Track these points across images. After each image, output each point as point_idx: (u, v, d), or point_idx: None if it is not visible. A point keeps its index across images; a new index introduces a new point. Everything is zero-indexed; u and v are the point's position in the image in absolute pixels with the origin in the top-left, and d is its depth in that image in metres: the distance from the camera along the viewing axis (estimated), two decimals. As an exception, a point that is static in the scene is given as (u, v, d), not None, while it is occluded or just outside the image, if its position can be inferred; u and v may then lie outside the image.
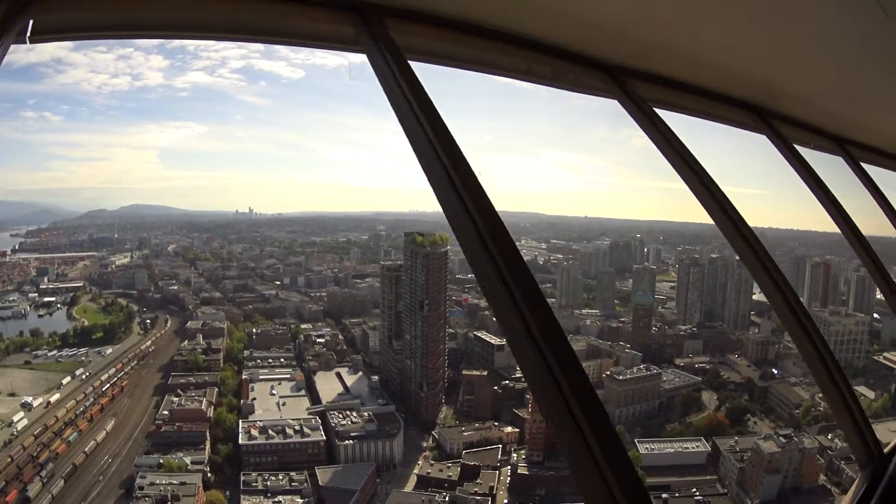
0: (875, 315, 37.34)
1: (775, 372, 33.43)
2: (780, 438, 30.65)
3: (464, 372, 33.25)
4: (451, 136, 2.43)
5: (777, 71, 4.02)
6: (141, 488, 26.69)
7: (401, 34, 2.68)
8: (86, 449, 28.90)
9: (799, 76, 4.12)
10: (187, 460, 29.14)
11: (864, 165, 6.10)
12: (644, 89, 3.84)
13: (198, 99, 51.46)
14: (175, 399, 32.87)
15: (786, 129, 4.97)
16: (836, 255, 39.99)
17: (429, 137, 2.47)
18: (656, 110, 3.92)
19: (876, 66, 3.66)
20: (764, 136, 4.97)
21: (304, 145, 79.87)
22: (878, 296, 37.31)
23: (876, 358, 35.45)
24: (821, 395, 33.34)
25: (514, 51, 3.24)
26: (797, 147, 4.99)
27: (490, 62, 3.48)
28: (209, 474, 29.09)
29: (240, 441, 30.50)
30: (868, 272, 5.04)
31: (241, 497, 28.25)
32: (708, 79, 4.17)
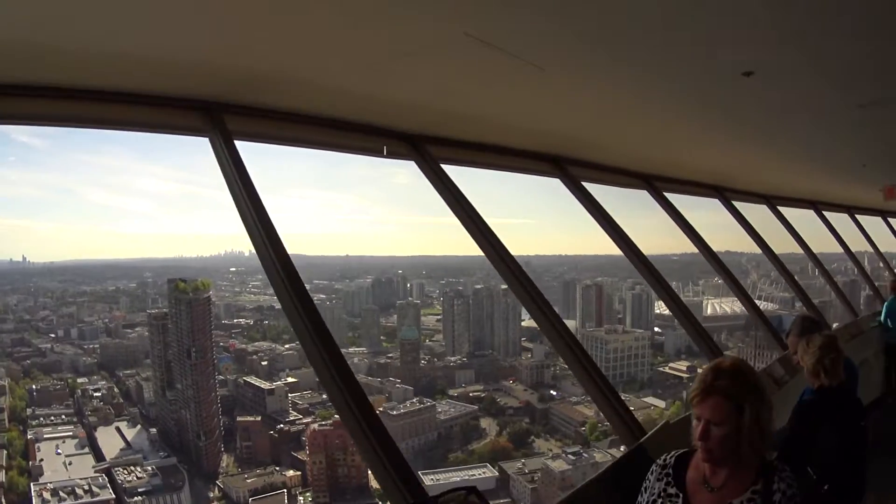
0: (656, 329, 38.58)
1: (553, 393, 33.44)
2: (570, 456, 30.31)
3: (238, 419, 32.32)
4: (261, 203, 3.13)
5: (574, 127, 4.85)
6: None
7: (234, 123, 3.38)
8: None
9: (585, 127, 4.88)
10: None
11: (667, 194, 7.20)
12: (439, 151, 4.52)
13: None
14: None
15: (576, 170, 5.79)
16: (608, 276, 41.03)
17: (248, 206, 3.21)
18: (453, 167, 4.70)
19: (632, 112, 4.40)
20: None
21: (72, 189, 76.00)
22: (659, 310, 37.12)
23: (661, 369, 36.78)
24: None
25: (327, 130, 3.97)
26: (586, 185, 5.84)
27: (309, 140, 4.07)
28: None
29: None
30: (651, 286, 5.85)
31: None
32: (505, 138, 4.97)
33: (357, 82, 3.27)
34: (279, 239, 3.02)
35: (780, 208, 9.72)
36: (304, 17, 2.44)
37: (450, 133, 4.58)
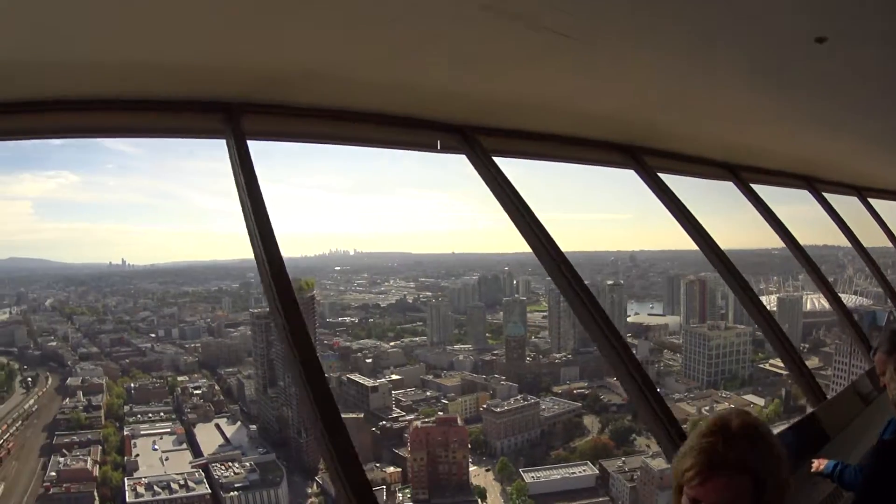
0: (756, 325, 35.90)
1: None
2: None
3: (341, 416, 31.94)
4: (265, 208, 3.06)
5: (643, 111, 4.44)
6: (35, 555, 26.78)
7: (254, 124, 3.34)
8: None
9: (662, 113, 4.55)
10: None
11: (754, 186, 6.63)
12: (492, 143, 4.25)
13: (71, 148, 49.06)
14: (61, 459, 32.70)
15: (654, 161, 5.34)
16: (711, 272, 38.86)
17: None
18: (513, 160, 4.54)
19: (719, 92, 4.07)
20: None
21: (173, 193, 78.48)
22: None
23: (762, 366, 36.00)
24: (707, 408, 33.01)
25: (371, 126, 3.80)
26: (661, 176, 5.38)
27: (352, 137, 4.09)
28: None
29: (126, 499, 30.45)
30: (728, 285, 5.41)
31: None
32: (568, 126, 4.62)
33: (395, 73, 3.17)
34: (273, 237, 2.96)
35: (870, 200, 8.87)
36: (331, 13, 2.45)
37: (502, 122, 4.27)
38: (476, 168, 4.18)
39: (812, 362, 35.85)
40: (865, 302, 36.88)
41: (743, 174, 6.48)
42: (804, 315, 37.20)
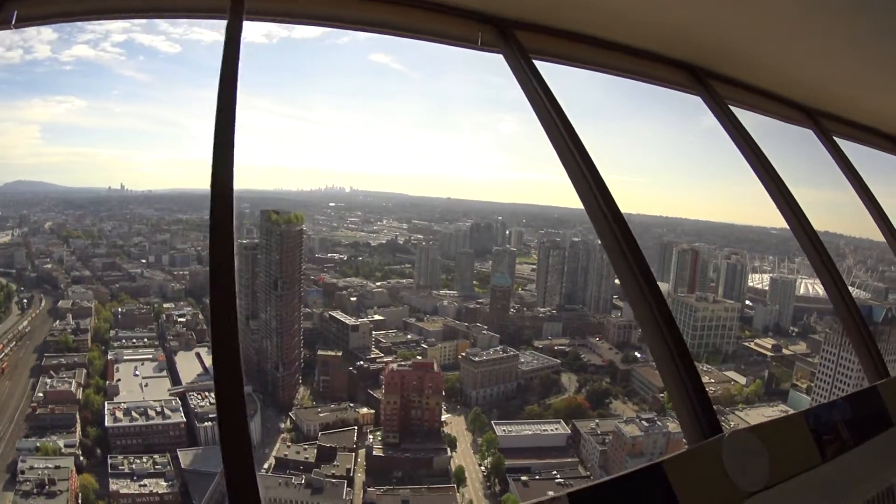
0: (747, 302, 37.74)
1: (638, 355, 32.64)
2: (643, 422, 29.70)
3: (319, 352, 32.60)
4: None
5: (713, 28, 3.90)
6: (23, 472, 27.01)
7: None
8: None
9: (741, 35, 3.95)
10: (60, 443, 29.12)
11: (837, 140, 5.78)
12: (531, 40, 3.84)
13: (80, 73, 49.86)
14: (48, 381, 32.70)
15: (723, 89, 4.73)
16: (706, 243, 40.56)
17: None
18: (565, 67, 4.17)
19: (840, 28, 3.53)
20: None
21: (177, 121, 79.29)
22: (752, 283, 36.74)
23: (746, 344, 35.46)
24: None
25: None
26: (734, 109, 4.68)
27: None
28: (81, 458, 29.04)
29: (106, 423, 30.50)
30: (805, 253, 4.67)
31: (110, 480, 28.21)
32: (620, 31, 4.09)
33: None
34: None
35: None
36: None
37: (541, 17, 3.85)
38: (512, 68, 3.81)
39: (800, 347, 35.10)
40: (863, 295, 36.12)
41: (824, 122, 5.66)
42: (796, 299, 36.40)
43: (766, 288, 37.25)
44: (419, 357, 32.84)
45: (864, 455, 2.80)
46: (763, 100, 5.18)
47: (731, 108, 4.69)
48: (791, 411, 32.02)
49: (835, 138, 5.67)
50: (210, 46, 55.47)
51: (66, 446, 29.06)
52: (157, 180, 67.66)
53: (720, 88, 4.65)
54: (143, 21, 48.48)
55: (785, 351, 34.43)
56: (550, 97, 3.61)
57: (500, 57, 3.81)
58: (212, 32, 57.74)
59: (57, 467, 27.75)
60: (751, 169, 4.55)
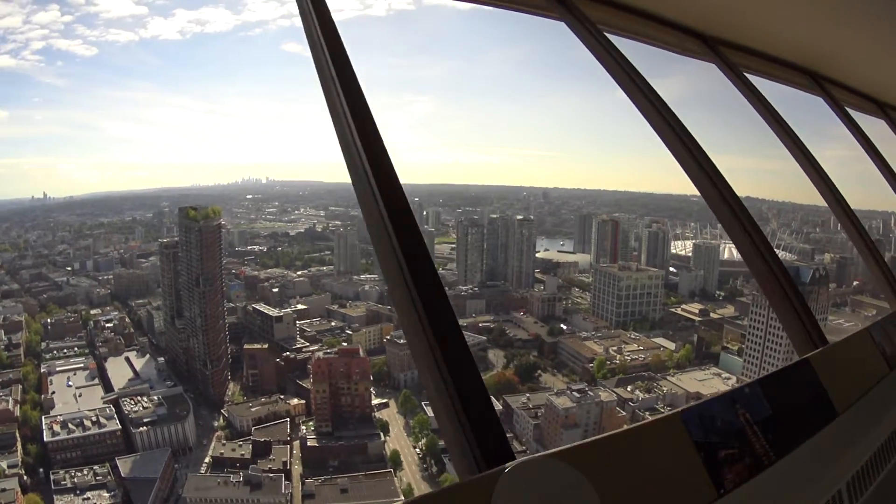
0: (671, 269, 37.78)
1: (563, 327, 31.99)
2: (574, 393, 29.47)
3: (245, 346, 32.22)
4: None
5: None
6: (-37, 500, 27.71)
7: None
8: None
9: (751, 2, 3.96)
10: (4, 465, 28.81)
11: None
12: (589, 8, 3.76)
13: (2, 83, 49.18)
14: None
15: (735, 56, 4.73)
16: (626, 213, 40.80)
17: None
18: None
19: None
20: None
21: (95, 124, 78.99)
22: (675, 250, 36.86)
23: (673, 310, 35.52)
24: (615, 348, 32.47)
25: None
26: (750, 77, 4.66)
27: None
28: (25, 477, 28.72)
29: (45, 438, 30.18)
30: (837, 217, 4.62)
31: (55, 497, 27.86)
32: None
33: None
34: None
35: None
36: None
37: None
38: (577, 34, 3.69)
39: (727, 311, 35.01)
40: (789, 257, 36.27)
41: (834, 91, 5.66)
42: (721, 263, 36.48)
43: (690, 254, 37.62)
44: (344, 343, 32.48)
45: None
46: (773, 66, 5.20)
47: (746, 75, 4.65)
48: (724, 374, 32.27)
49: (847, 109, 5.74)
50: (124, 47, 55.18)
51: (9, 467, 28.64)
52: (78, 185, 67.82)
53: (732, 55, 4.67)
54: (61, 26, 48.11)
55: (713, 315, 34.69)
56: (635, 72, 3.57)
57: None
58: (126, 33, 57.49)
59: (3, 490, 27.28)
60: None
